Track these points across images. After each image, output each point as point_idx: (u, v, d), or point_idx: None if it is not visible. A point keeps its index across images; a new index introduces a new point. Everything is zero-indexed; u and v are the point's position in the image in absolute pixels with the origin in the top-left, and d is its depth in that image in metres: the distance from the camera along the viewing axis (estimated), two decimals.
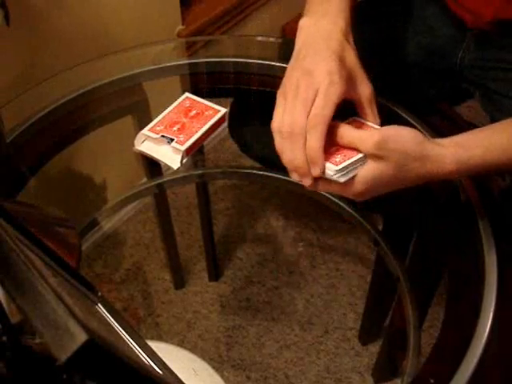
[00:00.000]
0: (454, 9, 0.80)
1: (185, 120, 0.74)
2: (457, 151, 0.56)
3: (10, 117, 0.75)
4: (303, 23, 0.63)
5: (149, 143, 0.73)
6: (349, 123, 0.61)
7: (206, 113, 0.75)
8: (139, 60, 0.90)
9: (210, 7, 1.42)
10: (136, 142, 0.73)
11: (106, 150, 1.23)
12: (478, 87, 0.84)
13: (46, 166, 0.81)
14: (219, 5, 1.43)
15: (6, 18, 0.82)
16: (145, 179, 1.09)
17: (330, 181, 0.57)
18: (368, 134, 0.55)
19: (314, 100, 0.56)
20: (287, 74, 0.61)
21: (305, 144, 0.56)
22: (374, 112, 0.61)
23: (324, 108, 0.56)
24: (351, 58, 0.60)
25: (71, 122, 0.84)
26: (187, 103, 0.76)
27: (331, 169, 0.56)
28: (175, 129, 0.72)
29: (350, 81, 0.59)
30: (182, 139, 0.71)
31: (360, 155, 0.56)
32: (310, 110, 0.56)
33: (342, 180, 0.56)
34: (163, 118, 0.74)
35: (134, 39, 1.20)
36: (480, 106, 0.85)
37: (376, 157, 0.55)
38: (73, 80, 0.86)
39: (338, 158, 0.57)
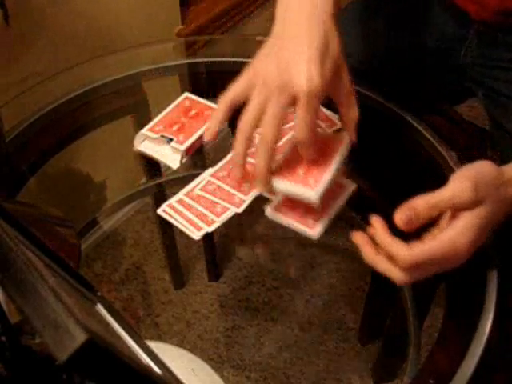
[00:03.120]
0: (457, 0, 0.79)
1: (184, 120, 0.74)
2: None
3: (9, 116, 0.75)
4: None
5: (148, 143, 0.73)
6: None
7: (206, 113, 0.74)
8: (139, 60, 0.90)
9: (210, 7, 1.42)
10: (136, 141, 0.73)
11: (106, 150, 1.23)
12: (480, 86, 0.83)
13: (46, 166, 0.81)
14: (219, 4, 1.43)
15: (6, 17, 0.82)
16: (144, 179, 1.08)
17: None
18: (458, 186, 0.49)
19: (286, 107, 0.52)
20: (261, 56, 0.57)
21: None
22: (349, 106, 0.56)
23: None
24: (335, 46, 0.53)
25: (71, 121, 0.84)
26: (187, 103, 0.76)
27: (310, 194, 0.54)
28: (175, 129, 0.72)
29: (332, 75, 0.53)
30: (181, 139, 0.71)
31: (333, 165, 0.54)
32: (280, 122, 0.52)
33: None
34: (163, 117, 0.74)
35: (133, 39, 1.20)
36: (482, 105, 0.85)
37: (475, 203, 0.49)
38: (72, 79, 0.86)
39: (310, 179, 0.55)
